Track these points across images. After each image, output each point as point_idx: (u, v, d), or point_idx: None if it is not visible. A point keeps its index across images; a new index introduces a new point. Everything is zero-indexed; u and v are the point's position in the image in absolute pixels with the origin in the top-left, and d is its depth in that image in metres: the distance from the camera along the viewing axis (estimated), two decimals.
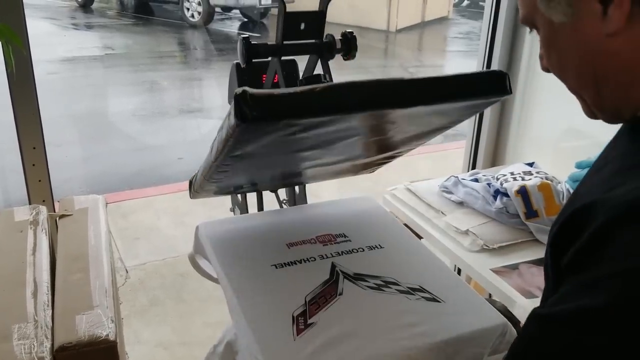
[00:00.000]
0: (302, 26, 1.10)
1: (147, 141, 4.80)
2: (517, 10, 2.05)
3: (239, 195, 1.44)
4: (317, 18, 1.11)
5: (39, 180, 1.54)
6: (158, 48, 8.33)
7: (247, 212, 1.38)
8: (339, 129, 0.92)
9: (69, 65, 6.90)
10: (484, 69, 2.01)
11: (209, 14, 9.25)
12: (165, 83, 6.55)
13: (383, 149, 1.16)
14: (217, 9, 9.74)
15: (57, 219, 1.35)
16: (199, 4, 9.15)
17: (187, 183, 1.28)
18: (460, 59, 8.89)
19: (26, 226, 1.28)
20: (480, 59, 2.04)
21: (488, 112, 2.06)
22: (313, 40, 1.15)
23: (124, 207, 3.47)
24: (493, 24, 1.95)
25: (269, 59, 1.20)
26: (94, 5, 10.50)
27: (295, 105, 0.80)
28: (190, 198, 1.26)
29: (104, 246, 1.28)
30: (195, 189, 1.19)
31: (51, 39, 7.96)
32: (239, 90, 0.77)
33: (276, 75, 1.18)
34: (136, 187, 3.79)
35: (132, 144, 4.71)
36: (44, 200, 1.56)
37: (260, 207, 1.37)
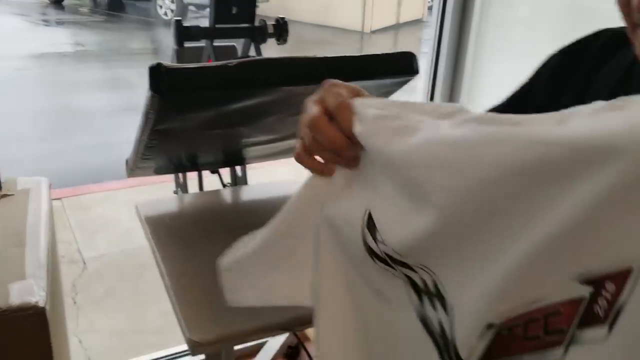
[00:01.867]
0: (234, 10, 1.15)
1: (113, 137, 4.79)
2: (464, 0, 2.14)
3: (181, 177, 1.48)
4: (249, 3, 1.17)
5: None
6: (130, 45, 8.31)
7: (187, 193, 1.43)
8: (258, 104, 0.97)
9: (39, 62, 6.85)
10: (434, 54, 2.10)
11: (182, 12, 9.25)
12: (136, 80, 6.53)
13: None
14: (191, 7, 9.74)
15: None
16: (172, 1, 9.15)
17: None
18: None
19: None
20: (430, 48, 2.12)
21: (437, 98, 2.13)
22: (245, 25, 1.20)
23: (85, 201, 3.48)
24: (441, 15, 2.03)
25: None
26: (66, 2, 10.42)
27: (208, 79, 0.85)
28: (128, 176, 1.30)
29: (43, 224, 1.30)
30: (131, 166, 1.23)
31: (21, 34, 7.88)
32: (154, 63, 0.82)
33: (210, 60, 1.22)
34: (98, 182, 3.79)
35: (98, 139, 4.70)
36: None
37: (200, 187, 1.42)
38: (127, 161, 1.26)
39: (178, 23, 1.15)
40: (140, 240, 3.11)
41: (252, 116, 1.03)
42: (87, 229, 3.16)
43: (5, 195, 1.38)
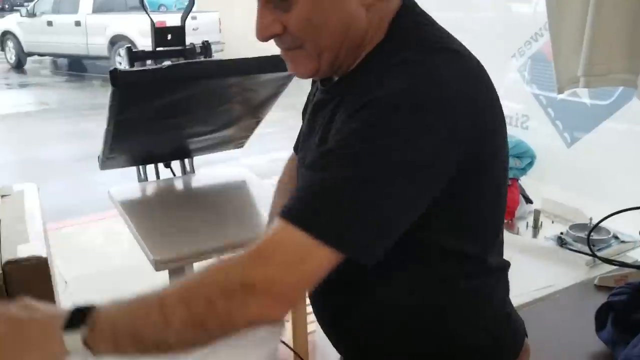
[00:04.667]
0: (169, 37, 1.59)
1: (83, 181, 5.14)
2: None
3: (142, 173, 1.89)
4: (179, 30, 1.61)
5: None
6: (93, 101, 8.64)
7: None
8: (190, 96, 1.40)
9: (4, 121, 7.16)
10: None
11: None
12: (99, 130, 6.87)
13: (233, 120, 1.65)
14: (149, 62, 10.21)
15: (0, 197, 1.77)
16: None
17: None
18: None
19: None
20: None
21: None
22: (179, 47, 1.64)
23: (61, 234, 3.82)
24: None
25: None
26: (27, 66, 10.79)
27: (149, 75, 1.28)
28: (100, 169, 1.71)
29: (37, 212, 1.70)
30: (102, 159, 1.64)
31: None
32: (112, 68, 1.25)
33: None
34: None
35: (69, 183, 5.04)
36: None
37: (157, 176, 1.83)
38: (98, 157, 1.67)
39: (129, 49, 1.58)
40: (114, 262, 3.46)
41: (187, 106, 1.46)
42: (67, 256, 3.49)
43: (4, 196, 1.77)
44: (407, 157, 0.69)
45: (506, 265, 0.92)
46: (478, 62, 0.78)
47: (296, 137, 1.06)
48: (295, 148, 1.08)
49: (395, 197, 0.69)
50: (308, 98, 0.98)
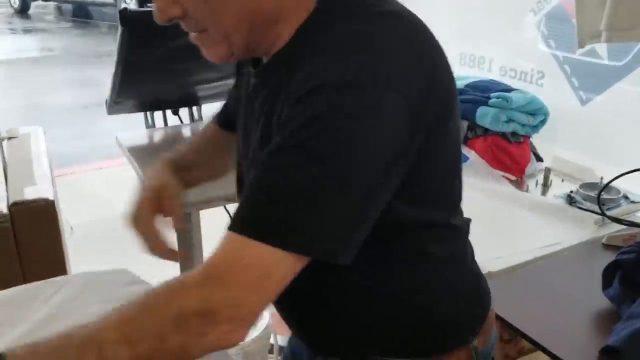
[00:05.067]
0: None
1: (87, 129, 5.12)
2: None
3: (149, 120, 1.87)
4: None
5: None
6: (97, 48, 8.56)
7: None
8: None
9: (8, 67, 7.09)
10: None
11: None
12: (106, 79, 6.80)
13: None
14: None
15: (7, 140, 1.75)
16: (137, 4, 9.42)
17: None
18: None
19: None
20: None
21: None
22: None
23: (66, 180, 3.82)
24: None
25: None
26: (31, 11, 10.63)
27: None
28: (108, 114, 1.68)
29: (43, 154, 1.69)
30: (110, 103, 1.62)
31: None
32: (121, 9, 1.21)
33: None
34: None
35: (72, 131, 5.02)
36: None
37: (165, 124, 1.81)
38: (106, 101, 1.64)
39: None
40: (120, 208, 3.46)
41: (197, 51, 1.42)
42: (72, 202, 3.50)
43: (11, 138, 1.76)
44: (368, 142, 0.62)
45: (468, 222, 0.88)
46: (422, 22, 0.71)
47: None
48: (219, 118, 1.02)
49: (362, 187, 0.63)
50: (238, 80, 0.91)
